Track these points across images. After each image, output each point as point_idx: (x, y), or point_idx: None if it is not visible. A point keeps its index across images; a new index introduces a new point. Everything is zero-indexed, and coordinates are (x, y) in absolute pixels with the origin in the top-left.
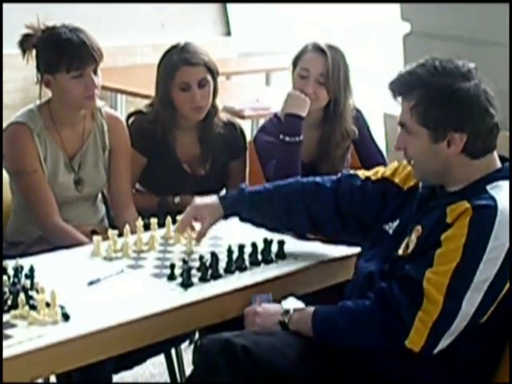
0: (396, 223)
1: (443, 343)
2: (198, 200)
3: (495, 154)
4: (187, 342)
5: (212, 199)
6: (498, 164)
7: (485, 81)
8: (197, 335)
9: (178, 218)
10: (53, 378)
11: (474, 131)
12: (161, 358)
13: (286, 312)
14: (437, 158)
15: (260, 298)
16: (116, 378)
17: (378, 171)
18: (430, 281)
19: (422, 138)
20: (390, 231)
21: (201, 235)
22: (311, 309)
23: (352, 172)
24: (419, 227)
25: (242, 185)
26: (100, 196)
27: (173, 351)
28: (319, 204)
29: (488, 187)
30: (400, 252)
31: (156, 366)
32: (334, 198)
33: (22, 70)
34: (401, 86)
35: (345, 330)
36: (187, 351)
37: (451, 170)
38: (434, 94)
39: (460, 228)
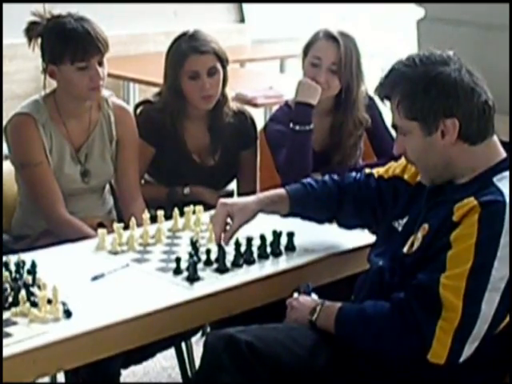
0: (405, 220)
1: (468, 350)
2: (225, 201)
3: (496, 140)
4: (199, 334)
5: (244, 199)
6: (502, 152)
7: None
8: (208, 328)
9: (186, 209)
10: (61, 375)
11: (464, 114)
12: (172, 351)
13: (314, 311)
14: (434, 151)
15: (303, 288)
16: (126, 372)
17: (390, 168)
18: (446, 286)
19: (415, 133)
20: (399, 228)
21: (228, 237)
22: (335, 308)
23: (368, 171)
24: (426, 225)
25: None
26: (108, 187)
27: (183, 345)
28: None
29: (495, 179)
30: (405, 250)
31: (167, 359)
32: (354, 200)
33: (34, 60)
34: (383, 89)
35: (364, 339)
36: (199, 343)
37: (453, 161)
38: (415, 84)
39: (469, 227)
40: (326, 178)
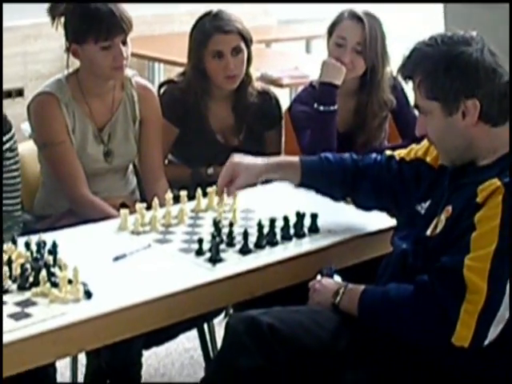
0: (428, 203)
1: (492, 333)
2: (237, 157)
3: None
4: (222, 316)
5: (254, 159)
6: None
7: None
8: (231, 310)
9: (210, 190)
10: (82, 356)
11: (485, 95)
12: (195, 332)
13: (336, 293)
14: (455, 132)
15: (326, 270)
16: (148, 353)
17: (411, 151)
18: (471, 268)
19: (436, 113)
20: (422, 211)
21: (229, 193)
22: (358, 291)
23: (389, 153)
24: (449, 208)
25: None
26: (131, 168)
27: (206, 326)
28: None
29: None
30: (428, 233)
31: (190, 340)
32: (372, 181)
33: (59, 39)
34: (406, 69)
35: (388, 322)
36: (222, 325)
37: (474, 143)
38: (436, 64)
39: (493, 208)
40: (346, 155)
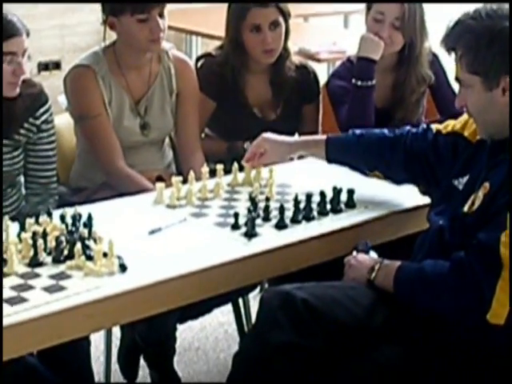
0: (466, 178)
1: None
2: (269, 134)
3: None
4: (257, 290)
5: (284, 137)
6: None
7: None
8: (266, 284)
9: (246, 164)
10: (117, 329)
11: None
12: (229, 307)
13: (372, 269)
14: (494, 107)
15: (361, 246)
16: (182, 327)
17: (449, 124)
18: (507, 245)
19: (476, 87)
20: (460, 187)
21: (253, 164)
22: (394, 267)
23: (424, 126)
24: (487, 184)
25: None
26: (167, 141)
27: (241, 300)
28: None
29: None
30: (465, 209)
31: (224, 314)
32: (406, 151)
33: (96, 12)
34: (449, 40)
35: (423, 298)
36: (257, 299)
37: None
38: (478, 38)
39: None
40: (377, 130)
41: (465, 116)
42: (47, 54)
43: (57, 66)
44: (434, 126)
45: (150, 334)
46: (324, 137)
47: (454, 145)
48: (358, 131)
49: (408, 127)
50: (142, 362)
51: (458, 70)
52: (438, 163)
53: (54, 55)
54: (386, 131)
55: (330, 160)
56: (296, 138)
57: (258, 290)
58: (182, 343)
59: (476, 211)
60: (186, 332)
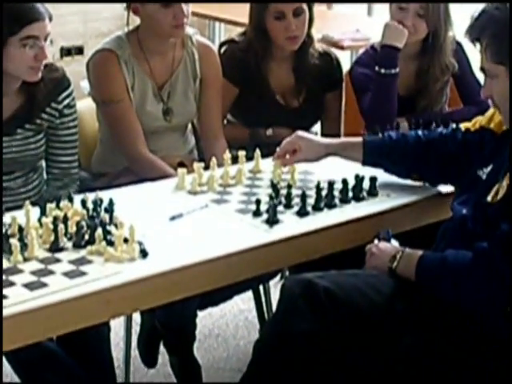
0: (489, 168)
1: None
2: (304, 133)
3: None
4: (278, 278)
5: (318, 138)
6: None
7: None
8: (287, 272)
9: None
10: (137, 315)
11: None
12: (250, 294)
13: (394, 258)
14: None
15: (383, 234)
16: (202, 313)
17: (476, 121)
18: None
19: (501, 77)
20: (484, 176)
21: (284, 162)
22: (416, 256)
23: (453, 126)
24: None
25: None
26: (190, 127)
27: (261, 288)
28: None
29: None
30: (489, 199)
31: (245, 301)
32: (439, 155)
33: None
34: (473, 31)
35: (445, 288)
36: (277, 287)
37: None
38: (503, 28)
39: None
40: (411, 132)
41: (491, 111)
42: (70, 39)
43: (79, 51)
44: (463, 125)
45: (170, 320)
46: (360, 139)
47: (481, 138)
48: (393, 134)
49: (440, 129)
50: (161, 348)
51: (483, 60)
52: (467, 158)
53: (77, 40)
54: (420, 134)
55: (365, 163)
56: (331, 139)
57: (278, 277)
58: (202, 330)
59: (500, 201)
60: (206, 319)
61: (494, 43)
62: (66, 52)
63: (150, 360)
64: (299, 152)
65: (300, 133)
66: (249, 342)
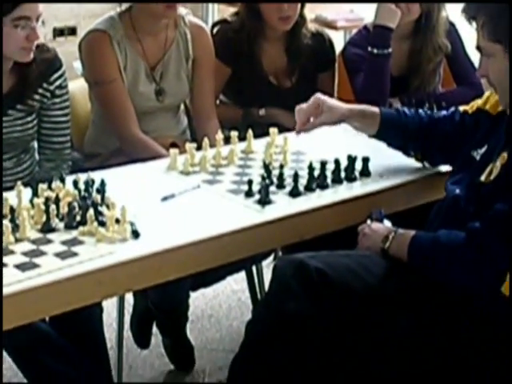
0: (484, 149)
1: None
2: (323, 96)
3: None
4: (271, 258)
5: (338, 102)
6: None
7: None
8: (280, 252)
9: (271, 130)
10: (130, 296)
11: None
12: (243, 274)
13: (386, 238)
14: None
15: (375, 215)
16: (195, 294)
17: (474, 104)
18: None
19: (498, 56)
20: (478, 157)
21: (305, 129)
22: (409, 237)
23: (453, 109)
24: (505, 154)
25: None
26: (183, 107)
27: (254, 268)
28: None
29: None
30: (482, 178)
31: (238, 282)
32: (440, 135)
33: None
34: (470, 9)
35: (438, 268)
36: (270, 267)
37: None
38: (500, 6)
39: None
40: (420, 110)
41: (487, 93)
42: (63, 20)
43: (72, 31)
44: (462, 108)
45: (162, 301)
46: (377, 110)
47: (477, 119)
48: (407, 111)
49: (443, 112)
50: (154, 329)
51: (479, 38)
52: (464, 140)
53: (70, 21)
54: (428, 113)
55: (378, 135)
56: (348, 105)
57: (271, 257)
58: (195, 311)
59: (493, 181)
60: (199, 299)
61: (491, 21)
62: (59, 32)
63: (142, 341)
64: (321, 116)
65: (319, 95)
66: (242, 322)
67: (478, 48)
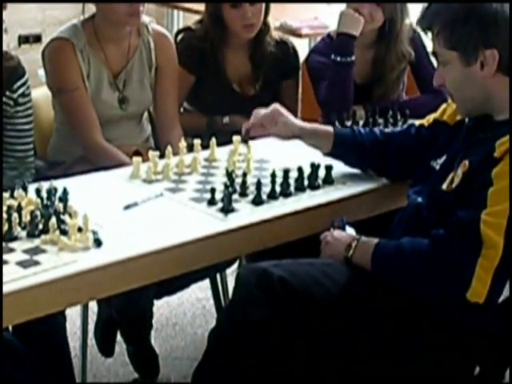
0: (443, 159)
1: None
2: (282, 109)
3: None
4: (235, 266)
5: (293, 118)
6: None
7: None
8: (244, 260)
9: (235, 138)
10: (94, 304)
11: (504, 45)
12: (208, 282)
13: (349, 246)
14: (473, 82)
15: (337, 223)
16: (160, 302)
17: (430, 117)
18: (487, 223)
19: (454, 63)
20: (437, 167)
21: (254, 132)
22: (372, 244)
23: (410, 122)
24: (466, 162)
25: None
26: (146, 115)
27: (218, 276)
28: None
29: None
30: (444, 187)
31: (202, 290)
32: (396, 150)
33: None
34: (425, 19)
35: (401, 275)
36: (235, 275)
37: (492, 95)
38: (455, 13)
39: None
40: (375, 129)
41: (443, 106)
42: (28, 27)
43: (37, 39)
44: (418, 122)
45: (126, 309)
46: (330, 129)
47: (435, 131)
48: (362, 130)
49: (398, 128)
50: (118, 337)
51: (435, 47)
52: (421, 152)
53: (35, 28)
54: (377, 133)
55: (332, 154)
56: (304, 123)
57: (236, 265)
58: (160, 319)
59: (455, 189)
60: (164, 307)
61: (447, 29)
62: (24, 40)
63: (107, 349)
64: (273, 127)
65: (279, 107)
66: (206, 330)
67: (435, 56)
